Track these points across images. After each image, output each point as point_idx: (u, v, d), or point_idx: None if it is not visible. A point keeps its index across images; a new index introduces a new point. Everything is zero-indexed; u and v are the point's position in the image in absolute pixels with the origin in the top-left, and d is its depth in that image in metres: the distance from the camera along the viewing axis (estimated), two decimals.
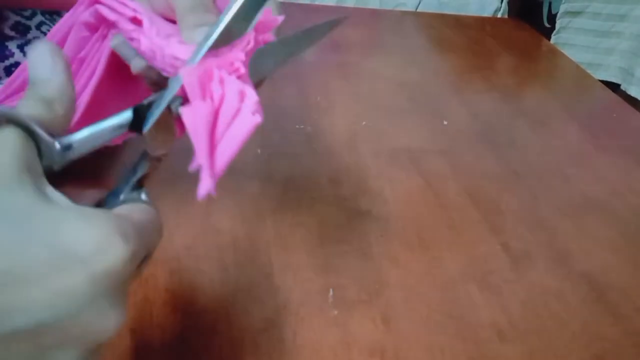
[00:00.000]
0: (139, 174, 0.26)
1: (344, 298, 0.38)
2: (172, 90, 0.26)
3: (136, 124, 0.26)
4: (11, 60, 0.41)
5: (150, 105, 0.26)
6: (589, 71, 0.84)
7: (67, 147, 0.24)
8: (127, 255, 0.20)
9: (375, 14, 0.95)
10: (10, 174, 0.20)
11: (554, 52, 0.90)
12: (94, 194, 0.26)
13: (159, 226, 0.25)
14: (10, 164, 0.21)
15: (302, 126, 0.56)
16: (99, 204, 0.26)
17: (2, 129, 0.21)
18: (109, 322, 0.21)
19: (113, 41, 0.32)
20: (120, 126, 0.25)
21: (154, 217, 0.25)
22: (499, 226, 0.46)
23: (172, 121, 0.26)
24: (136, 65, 0.32)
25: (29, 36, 0.42)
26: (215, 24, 0.26)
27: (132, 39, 0.32)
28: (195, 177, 0.27)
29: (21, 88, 0.35)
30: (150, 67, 0.31)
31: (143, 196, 0.26)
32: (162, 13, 0.35)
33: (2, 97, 0.35)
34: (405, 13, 0.98)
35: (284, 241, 0.42)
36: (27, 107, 0.24)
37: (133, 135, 0.26)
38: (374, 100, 0.64)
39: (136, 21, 0.32)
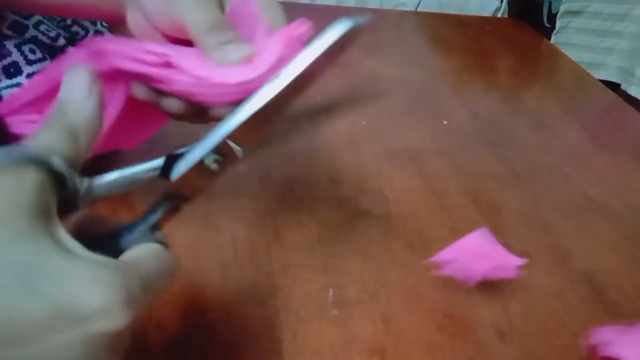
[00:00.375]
0: (157, 215, 0.26)
1: (344, 298, 0.38)
2: (209, 143, 0.26)
3: (166, 171, 0.26)
4: (9, 60, 0.40)
5: (182, 155, 0.26)
6: (589, 71, 0.84)
7: (91, 189, 0.24)
8: (126, 320, 0.20)
9: (375, 13, 0.95)
10: (23, 220, 0.20)
11: (554, 52, 0.90)
12: (111, 224, 0.26)
13: (170, 270, 0.25)
14: (25, 210, 0.20)
15: (302, 126, 0.56)
16: (113, 235, 0.25)
17: (23, 169, 0.21)
18: None
19: (137, 92, 0.32)
20: (149, 171, 0.26)
21: (166, 262, 0.25)
22: (499, 226, 0.46)
23: (203, 177, 0.26)
24: (172, 106, 0.31)
25: (27, 35, 0.42)
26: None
27: (160, 82, 0.31)
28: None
29: (41, 99, 0.34)
30: (187, 103, 0.31)
31: (159, 236, 0.26)
32: (165, 33, 0.35)
33: (19, 105, 0.34)
34: (405, 13, 0.98)
35: (284, 241, 0.42)
36: (51, 139, 0.23)
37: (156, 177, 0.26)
38: (374, 100, 0.64)
39: (166, 64, 0.31)
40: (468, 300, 0.39)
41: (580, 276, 0.43)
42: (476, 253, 0.37)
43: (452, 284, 0.40)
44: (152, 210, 0.27)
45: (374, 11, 0.96)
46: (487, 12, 1.10)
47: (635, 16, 1.18)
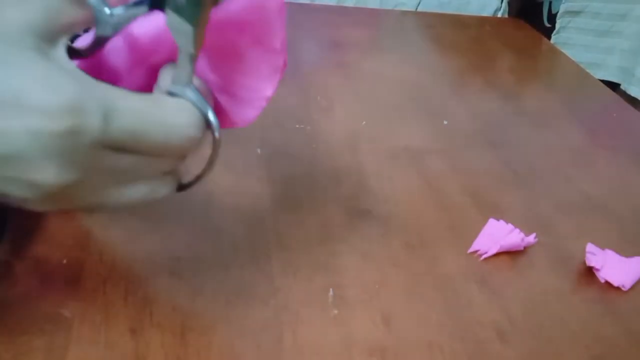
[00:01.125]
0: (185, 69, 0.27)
1: (344, 298, 0.38)
2: None
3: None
4: None
5: None
6: (589, 71, 0.84)
7: (114, 14, 0.27)
8: (63, 126, 0.21)
9: (375, 13, 0.95)
10: (14, 31, 0.22)
11: (554, 52, 0.90)
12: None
13: (174, 130, 0.25)
14: (20, 25, 0.22)
15: (302, 126, 0.56)
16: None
17: None
18: (45, 176, 0.22)
19: None
20: None
21: (164, 117, 0.25)
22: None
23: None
24: None
25: None
26: None
27: None
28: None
29: None
30: None
31: (189, 92, 0.26)
32: None
33: None
34: (405, 13, 0.98)
35: (284, 241, 0.42)
36: None
37: None
38: (374, 100, 0.64)
39: None
40: (468, 300, 0.39)
41: (580, 276, 0.43)
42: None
43: (452, 283, 0.40)
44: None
45: (374, 11, 0.96)
46: (487, 12, 1.10)
47: (635, 16, 1.18)
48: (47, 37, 0.24)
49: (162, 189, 0.28)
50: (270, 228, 0.43)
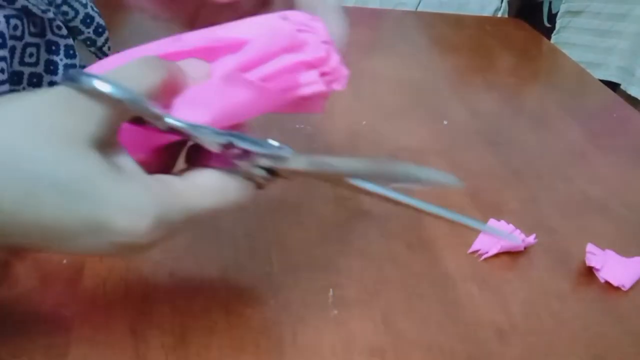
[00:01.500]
0: (265, 151, 0.28)
1: (344, 298, 0.38)
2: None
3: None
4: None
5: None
6: (589, 71, 0.84)
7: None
8: (149, 240, 0.25)
9: (375, 13, 0.95)
10: (82, 143, 0.24)
11: (554, 52, 0.90)
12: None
13: (233, 204, 0.27)
14: (83, 133, 0.24)
15: (302, 126, 0.56)
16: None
17: (89, 95, 0.24)
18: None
19: None
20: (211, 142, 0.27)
21: (231, 200, 0.27)
22: None
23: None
24: None
25: (17, 5, 0.42)
26: None
27: None
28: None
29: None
30: None
31: (252, 171, 0.28)
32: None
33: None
34: (405, 13, 0.98)
35: (284, 241, 0.42)
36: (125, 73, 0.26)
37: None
38: (374, 100, 0.64)
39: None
40: (468, 300, 0.39)
41: (580, 276, 0.43)
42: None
43: (452, 283, 0.40)
44: (259, 142, 0.28)
45: (374, 11, 0.96)
46: (487, 12, 1.10)
47: (635, 16, 1.18)
48: (109, 145, 0.25)
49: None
50: (270, 228, 0.43)
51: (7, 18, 0.41)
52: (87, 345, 0.32)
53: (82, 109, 0.24)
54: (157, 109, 0.25)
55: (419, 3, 1.10)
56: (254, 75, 0.29)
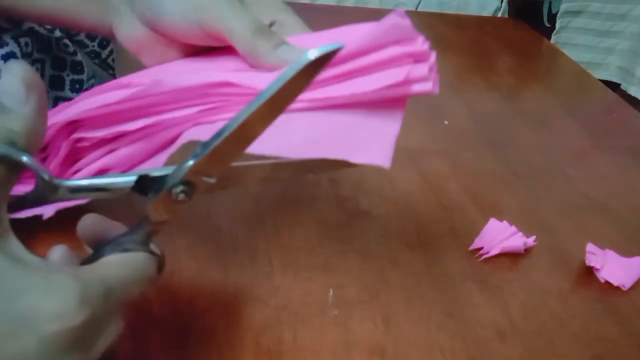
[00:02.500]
0: (140, 233, 0.26)
1: (344, 298, 0.38)
2: (179, 173, 0.25)
3: (140, 188, 0.26)
4: (6, 50, 0.41)
5: (155, 180, 0.26)
6: (589, 71, 0.84)
7: (64, 189, 0.25)
8: (80, 319, 0.22)
9: (375, 13, 0.95)
10: None
11: (554, 52, 0.90)
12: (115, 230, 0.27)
13: (144, 278, 0.26)
14: None
15: None
16: (98, 250, 0.27)
17: None
18: None
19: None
20: (121, 188, 0.26)
21: (140, 273, 0.26)
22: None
23: (173, 203, 0.26)
24: None
25: (23, 27, 0.43)
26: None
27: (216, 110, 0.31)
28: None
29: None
30: None
31: (152, 247, 0.27)
32: (190, 41, 0.34)
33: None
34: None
35: (284, 241, 0.42)
36: None
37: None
38: None
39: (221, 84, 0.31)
40: (468, 300, 0.39)
41: (580, 276, 0.43)
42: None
43: (452, 283, 0.40)
44: (133, 229, 0.27)
45: (374, 11, 0.96)
46: (487, 12, 1.10)
47: (635, 16, 1.18)
48: None
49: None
50: (270, 228, 0.43)
51: (16, 38, 0.41)
52: None
53: None
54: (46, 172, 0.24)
55: (419, 3, 1.10)
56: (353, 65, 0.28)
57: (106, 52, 0.50)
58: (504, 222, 0.45)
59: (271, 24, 0.35)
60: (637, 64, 1.19)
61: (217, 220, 0.43)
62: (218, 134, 0.24)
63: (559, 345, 0.37)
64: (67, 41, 0.45)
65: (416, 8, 1.09)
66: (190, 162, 0.25)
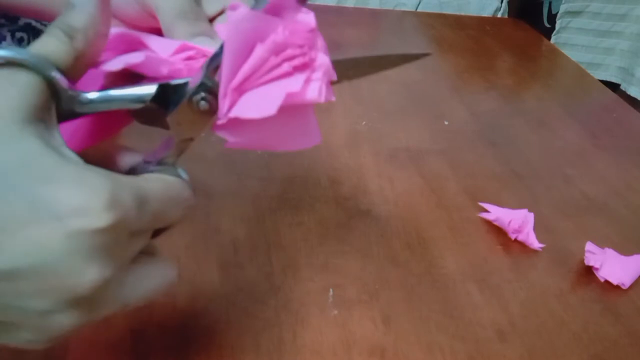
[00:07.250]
0: (166, 156, 0.26)
1: (344, 298, 0.38)
2: (198, 77, 0.25)
3: (160, 100, 0.26)
4: (4, 44, 0.41)
5: (175, 89, 0.26)
6: (589, 71, 0.84)
7: (83, 102, 0.25)
8: (107, 221, 0.21)
9: (375, 14, 0.95)
10: (12, 122, 0.21)
11: (554, 52, 0.90)
12: (132, 157, 0.27)
13: (181, 200, 0.26)
14: (13, 112, 0.21)
15: None
16: (133, 169, 0.26)
17: (15, 73, 0.22)
18: (85, 277, 0.21)
19: None
20: (141, 98, 0.25)
21: (177, 192, 0.25)
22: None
23: (195, 114, 0.25)
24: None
25: (20, 23, 0.43)
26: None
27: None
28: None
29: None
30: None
31: (179, 171, 0.26)
32: (135, 22, 0.33)
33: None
34: (405, 13, 0.98)
35: (284, 241, 0.42)
36: (46, 42, 0.24)
37: (131, 123, 0.26)
38: (374, 100, 0.64)
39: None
40: (468, 300, 0.39)
41: (580, 276, 0.43)
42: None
43: (452, 283, 0.40)
44: (161, 146, 0.27)
45: (374, 11, 0.96)
46: (487, 12, 1.10)
47: (635, 16, 1.18)
48: (39, 119, 0.22)
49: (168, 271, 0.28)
50: (270, 228, 0.43)
51: (12, 32, 0.41)
52: (87, 346, 0.32)
53: (7, 82, 0.22)
54: (65, 81, 0.24)
55: (419, 3, 1.10)
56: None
57: None
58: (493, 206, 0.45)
59: (222, 12, 0.34)
60: (637, 64, 1.19)
61: (217, 220, 0.43)
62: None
63: (558, 344, 0.37)
64: None
65: (416, 8, 1.09)
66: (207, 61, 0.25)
